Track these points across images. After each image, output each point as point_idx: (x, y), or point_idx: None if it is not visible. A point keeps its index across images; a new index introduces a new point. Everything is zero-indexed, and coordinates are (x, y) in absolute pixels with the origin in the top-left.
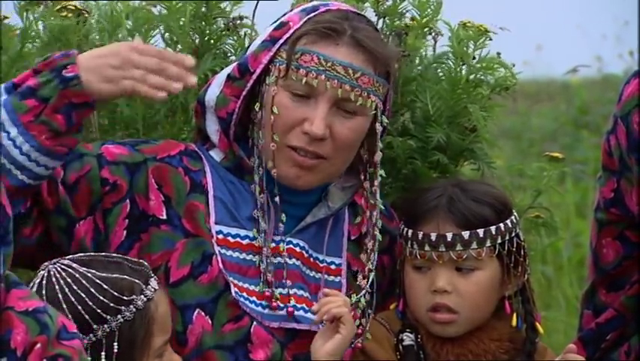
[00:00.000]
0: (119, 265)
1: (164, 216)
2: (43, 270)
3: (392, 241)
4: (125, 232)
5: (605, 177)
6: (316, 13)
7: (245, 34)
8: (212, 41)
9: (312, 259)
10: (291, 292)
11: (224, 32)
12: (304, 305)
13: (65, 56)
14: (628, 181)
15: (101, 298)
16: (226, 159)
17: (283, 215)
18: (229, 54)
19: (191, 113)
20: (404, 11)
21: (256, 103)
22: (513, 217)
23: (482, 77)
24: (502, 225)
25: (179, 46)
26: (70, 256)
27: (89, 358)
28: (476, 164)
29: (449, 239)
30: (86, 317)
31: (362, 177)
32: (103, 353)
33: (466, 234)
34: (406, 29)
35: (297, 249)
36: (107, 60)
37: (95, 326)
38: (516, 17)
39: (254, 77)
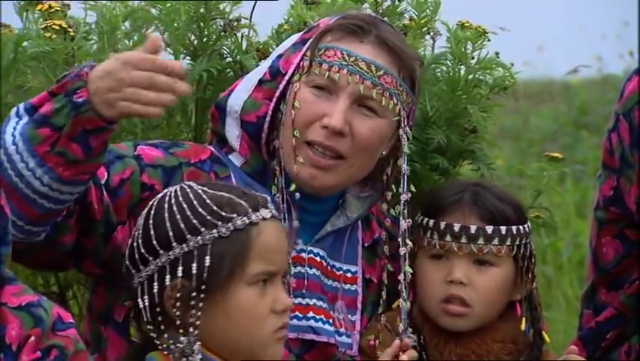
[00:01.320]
0: (234, 188)
1: None
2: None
3: (399, 246)
4: None
5: (604, 175)
6: (345, 14)
7: (242, 36)
8: (210, 42)
9: (329, 268)
10: (310, 303)
11: (221, 33)
12: (322, 316)
13: (77, 77)
14: (627, 179)
15: (200, 210)
16: (246, 165)
17: (296, 222)
18: (225, 55)
19: (190, 114)
20: (403, 12)
21: (282, 104)
22: (528, 225)
23: (481, 77)
24: (521, 227)
25: (170, 49)
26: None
27: (181, 270)
28: (476, 165)
29: (472, 231)
30: (182, 225)
31: (384, 188)
32: (194, 265)
33: (489, 228)
34: (404, 30)
35: (318, 258)
36: (104, 83)
37: (188, 237)
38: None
39: (286, 78)
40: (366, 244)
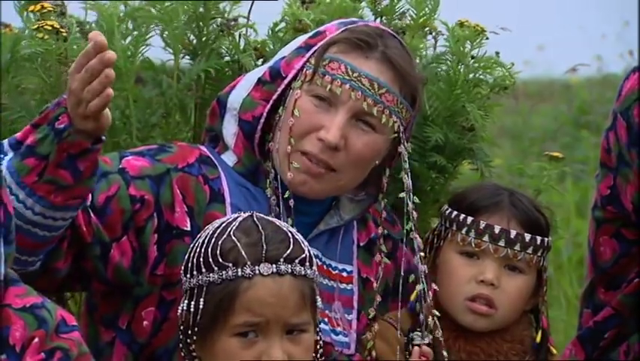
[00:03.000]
0: (252, 234)
1: (188, 228)
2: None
3: (395, 246)
4: (155, 246)
5: (602, 174)
6: (353, 25)
7: (240, 35)
8: (209, 42)
9: (325, 267)
10: None
11: (220, 33)
12: (319, 316)
13: (57, 105)
14: (624, 178)
15: (209, 250)
16: (239, 164)
17: (289, 220)
18: (224, 55)
19: (189, 114)
20: (401, 11)
21: (281, 108)
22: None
23: (481, 77)
24: (549, 240)
25: (170, 48)
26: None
27: (186, 303)
28: (475, 163)
29: (512, 236)
30: (194, 259)
31: (378, 194)
32: (192, 303)
33: (527, 236)
34: (403, 28)
35: (345, 274)
36: (71, 101)
37: (194, 272)
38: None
39: (285, 81)
40: (361, 244)
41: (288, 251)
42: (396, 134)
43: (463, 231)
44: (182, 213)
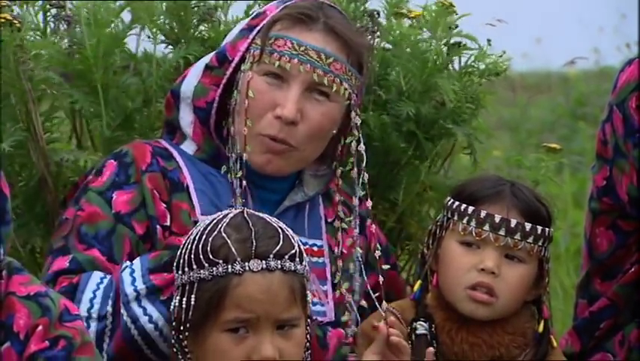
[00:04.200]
0: (242, 231)
1: (168, 223)
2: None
3: (362, 222)
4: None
5: (598, 165)
6: (292, 2)
7: (220, 23)
8: (190, 30)
9: None
10: None
11: (200, 22)
12: None
13: None
14: (620, 169)
15: (200, 247)
16: (200, 151)
17: (249, 197)
18: (206, 43)
19: None
20: None
21: (233, 91)
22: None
23: (473, 64)
24: (550, 230)
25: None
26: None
27: (178, 299)
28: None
29: (512, 225)
30: (185, 256)
31: (335, 168)
32: (184, 299)
33: (528, 226)
34: (377, 10)
35: (315, 248)
36: None
37: (186, 269)
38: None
39: (232, 65)
40: (329, 220)
41: (278, 247)
42: (348, 102)
43: (464, 220)
44: (163, 209)
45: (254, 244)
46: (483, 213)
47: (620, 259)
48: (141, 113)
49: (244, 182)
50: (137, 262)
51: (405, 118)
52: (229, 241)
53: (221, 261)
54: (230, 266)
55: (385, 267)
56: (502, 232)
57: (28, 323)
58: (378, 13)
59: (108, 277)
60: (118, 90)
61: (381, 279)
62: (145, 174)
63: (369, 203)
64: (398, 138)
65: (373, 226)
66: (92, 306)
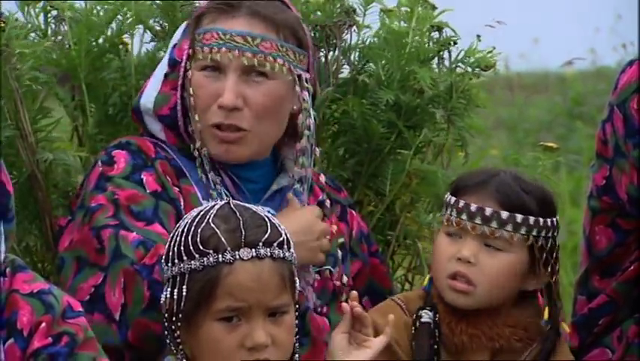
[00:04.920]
0: (230, 220)
1: (182, 206)
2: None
3: (343, 210)
4: None
5: (598, 164)
6: None
7: None
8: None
9: None
10: None
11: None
12: None
13: None
14: (619, 169)
15: (189, 238)
16: (181, 151)
17: (231, 188)
18: None
19: None
20: None
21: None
22: (555, 220)
23: (462, 59)
24: (542, 220)
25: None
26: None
27: (169, 291)
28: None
29: (487, 214)
30: (175, 248)
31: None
32: (176, 290)
33: (504, 214)
34: (353, 7)
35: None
36: None
37: (176, 261)
38: (513, 11)
39: (182, 65)
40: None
41: (266, 235)
42: (291, 77)
43: (448, 211)
44: (178, 193)
45: (243, 233)
46: (461, 203)
47: (619, 256)
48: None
49: (219, 174)
50: None
51: (385, 106)
52: (218, 231)
53: (211, 251)
54: (220, 256)
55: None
56: (478, 221)
57: (32, 319)
58: (354, 10)
59: None
60: (103, 88)
61: (343, 279)
62: (156, 160)
63: (344, 193)
64: (378, 125)
65: (354, 212)
66: None
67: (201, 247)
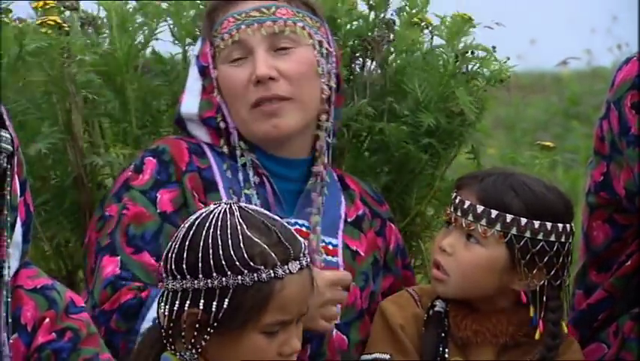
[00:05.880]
0: (270, 233)
1: None
2: (217, 204)
3: (383, 224)
4: None
5: (595, 161)
6: None
7: None
8: None
9: None
10: None
11: None
12: None
13: None
14: (617, 165)
15: (231, 253)
16: (222, 154)
17: (268, 188)
18: None
19: None
20: (398, 7)
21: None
22: (550, 225)
23: (478, 70)
24: (524, 220)
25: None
26: (246, 204)
27: (202, 302)
28: (470, 151)
29: (465, 207)
30: (211, 261)
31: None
32: (215, 303)
33: (479, 208)
34: (393, 19)
35: (304, 229)
36: None
37: (214, 274)
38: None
39: (211, 68)
40: (349, 220)
41: (302, 245)
42: (311, 41)
43: (450, 203)
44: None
45: (288, 246)
46: (453, 196)
47: (616, 251)
48: (168, 112)
49: (259, 172)
50: None
51: (425, 130)
52: (266, 247)
53: (262, 267)
54: (272, 271)
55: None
56: (458, 213)
57: (36, 315)
58: (394, 22)
59: None
60: (144, 91)
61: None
62: (185, 174)
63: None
64: (416, 149)
65: (393, 226)
66: None
67: (252, 263)
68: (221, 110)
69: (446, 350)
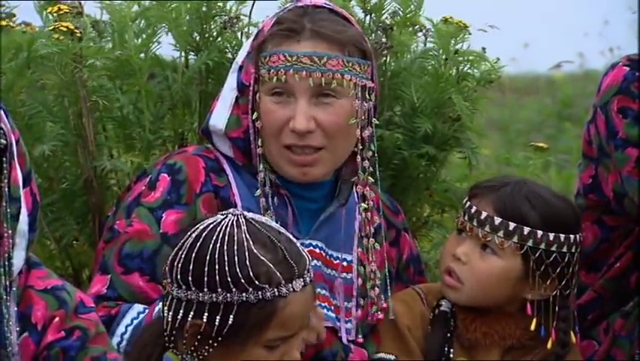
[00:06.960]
0: (276, 250)
1: None
2: (224, 215)
3: (398, 234)
4: None
5: (584, 164)
6: (281, 13)
7: (242, 33)
8: (211, 39)
9: (328, 257)
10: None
11: (222, 30)
12: (326, 304)
13: None
14: (605, 168)
15: (237, 270)
16: (244, 167)
17: (289, 207)
18: (226, 50)
19: (194, 106)
20: (392, 10)
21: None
22: (563, 236)
23: (469, 71)
24: (540, 232)
25: (176, 45)
26: (253, 215)
27: (206, 315)
28: (463, 153)
29: (481, 217)
30: (217, 276)
31: (358, 159)
32: (218, 317)
33: (497, 220)
34: (391, 25)
35: (317, 250)
36: None
37: (219, 289)
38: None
39: (250, 89)
40: (363, 234)
41: (307, 261)
42: (354, 91)
43: (460, 211)
44: None
45: (292, 264)
46: (467, 205)
47: (605, 252)
48: (168, 117)
49: (279, 194)
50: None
51: (422, 135)
52: (270, 265)
53: (267, 285)
54: (276, 290)
55: None
56: (474, 223)
57: (46, 314)
58: (392, 28)
59: (146, 312)
60: (150, 97)
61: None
62: (199, 197)
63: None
64: (412, 155)
65: (408, 236)
66: (121, 341)
67: (256, 282)
68: (249, 133)
69: (451, 350)
